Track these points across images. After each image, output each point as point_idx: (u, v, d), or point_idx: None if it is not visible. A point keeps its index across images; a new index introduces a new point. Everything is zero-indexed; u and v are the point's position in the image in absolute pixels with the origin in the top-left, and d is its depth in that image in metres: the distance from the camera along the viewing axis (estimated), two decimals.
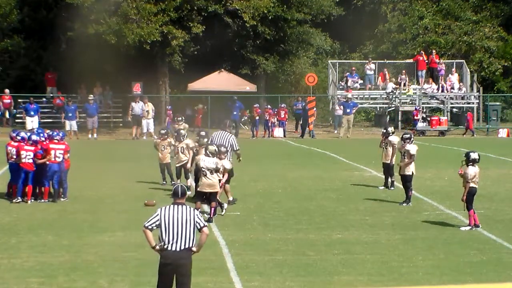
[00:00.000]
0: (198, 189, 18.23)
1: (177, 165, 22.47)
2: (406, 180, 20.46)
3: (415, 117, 45.83)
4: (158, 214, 10.53)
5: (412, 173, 20.39)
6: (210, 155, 18.09)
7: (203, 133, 21.15)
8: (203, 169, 17.92)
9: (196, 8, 44.62)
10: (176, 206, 10.54)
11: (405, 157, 20.41)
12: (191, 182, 22.40)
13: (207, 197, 18.06)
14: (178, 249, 10.40)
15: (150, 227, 10.53)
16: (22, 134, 21.04)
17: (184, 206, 10.54)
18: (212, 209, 17.93)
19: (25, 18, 48.98)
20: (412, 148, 20.46)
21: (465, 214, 17.79)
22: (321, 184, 24.32)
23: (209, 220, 17.67)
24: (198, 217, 10.55)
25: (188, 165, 22.25)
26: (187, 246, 10.43)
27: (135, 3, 42.71)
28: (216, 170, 17.93)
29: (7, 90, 44.70)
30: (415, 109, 45.99)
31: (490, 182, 23.87)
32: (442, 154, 33.98)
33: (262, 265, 14.15)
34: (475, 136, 44.86)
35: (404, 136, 20.94)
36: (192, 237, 10.47)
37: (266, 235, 16.73)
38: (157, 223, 10.49)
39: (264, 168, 28.08)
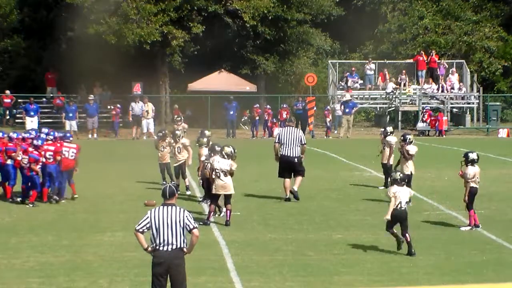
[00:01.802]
0: (213, 191, 17.89)
1: (175, 165, 22.49)
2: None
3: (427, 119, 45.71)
4: (148, 217, 10.51)
5: (411, 172, 20.38)
6: (226, 156, 17.89)
7: (207, 132, 21.21)
8: (216, 171, 17.71)
9: (196, 8, 44.66)
10: (165, 207, 10.51)
11: (405, 157, 20.40)
12: (189, 181, 22.43)
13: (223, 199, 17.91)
14: (170, 249, 10.40)
15: (141, 230, 10.52)
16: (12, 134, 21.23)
17: (173, 207, 10.50)
18: (228, 211, 17.68)
19: (25, 18, 49.05)
20: (412, 148, 20.45)
21: (465, 214, 17.80)
22: (321, 184, 24.32)
23: (226, 224, 17.57)
24: (187, 218, 10.47)
25: (190, 161, 22.25)
26: (178, 246, 10.42)
27: (135, 3, 42.74)
28: (230, 172, 17.79)
29: (7, 91, 44.74)
30: (426, 109, 45.82)
31: (490, 182, 23.86)
32: (442, 154, 33.97)
33: (262, 265, 14.15)
34: (444, 136, 44.53)
35: (404, 136, 20.96)
36: (183, 238, 10.45)
37: (266, 235, 16.73)
38: (148, 225, 10.48)
39: (264, 168, 28.05)
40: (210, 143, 19.65)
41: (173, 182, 22.30)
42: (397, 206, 14.99)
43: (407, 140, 20.58)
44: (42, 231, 17.03)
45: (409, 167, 20.36)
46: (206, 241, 15.51)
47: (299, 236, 16.66)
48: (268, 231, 17.17)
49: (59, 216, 18.81)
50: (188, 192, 22.05)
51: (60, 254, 14.96)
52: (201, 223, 17.03)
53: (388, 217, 14.95)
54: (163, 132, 23.94)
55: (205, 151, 19.57)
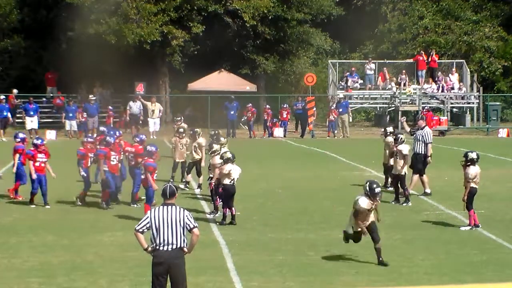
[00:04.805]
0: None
1: (190, 161, 22.65)
2: (400, 180, 20.50)
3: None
4: (148, 217, 10.51)
5: (405, 173, 20.43)
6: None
7: (211, 132, 21.49)
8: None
9: (196, 8, 44.65)
10: (165, 207, 10.51)
11: (398, 157, 20.51)
12: (202, 179, 22.44)
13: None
14: (170, 249, 10.40)
15: (141, 230, 10.53)
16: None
17: (173, 207, 10.49)
18: (232, 209, 17.83)
19: (25, 18, 48.99)
20: (404, 147, 20.50)
21: (465, 214, 17.80)
22: (321, 184, 24.32)
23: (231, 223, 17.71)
24: (187, 218, 10.47)
25: (203, 163, 22.32)
26: (178, 246, 10.42)
27: (135, 3, 42.74)
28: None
29: (15, 90, 44.68)
30: (426, 109, 45.69)
31: (490, 182, 23.86)
32: (442, 154, 33.94)
33: (262, 265, 14.15)
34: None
35: (396, 136, 21.09)
36: (183, 237, 10.45)
37: (266, 235, 16.73)
38: (148, 225, 10.48)
39: (264, 168, 28.08)
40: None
41: (171, 181, 22.37)
42: (230, 181, 17.42)
43: (399, 140, 20.66)
44: (42, 231, 17.04)
45: (403, 168, 20.38)
46: (206, 241, 15.51)
47: (299, 236, 16.67)
48: (268, 231, 17.18)
49: (59, 216, 18.82)
50: (198, 190, 22.06)
51: (60, 254, 14.96)
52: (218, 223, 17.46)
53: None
54: (182, 130, 23.75)
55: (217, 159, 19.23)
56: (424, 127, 22.22)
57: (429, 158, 22.02)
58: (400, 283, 13.05)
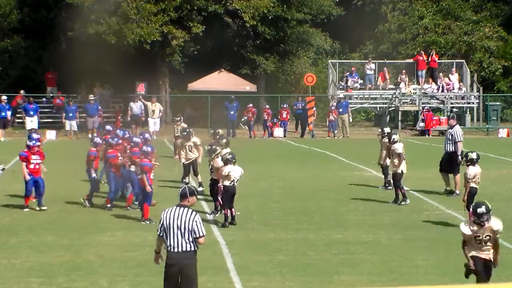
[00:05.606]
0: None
1: (186, 162, 22.55)
2: (396, 179, 20.50)
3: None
4: (162, 218, 10.52)
5: (402, 171, 20.40)
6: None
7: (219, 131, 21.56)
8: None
9: (196, 8, 44.64)
10: (177, 208, 10.49)
11: (393, 156, 20.51)
12: (201, 178, 22.40)
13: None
14: (180, 250, 10.38)
15: (161, 234, 10.51)
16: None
17: (185, 209, 10.45)
18: (232, 209, 17.82)
19: (25, 18, 49.01)
20: (398, 147, 20.50)
21: (465, 214, 17.78)
22: (321, 184, 24.32)
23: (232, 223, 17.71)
24: (196, 224, 10.39)
25: (199, 160, 22.31)
26: (188, 249, 10.40)
27: (135, 3, 42.74)
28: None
29: (22, 91, 44.66)
30: (426, 109, 45.54)
31: (490, 182, 23.84)
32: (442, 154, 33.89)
33: (262, 265, 14.15)
34: (430, 136, 44.23)
35: (390, 135, 21.10)
36: (192, 239, 10.42)
37: (266, 235, 16.73)
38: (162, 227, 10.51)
39: (264, 168, 28.06)
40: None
41: (184, 180, 22.36)
42: (231, 183, 17.41)
43: (392, 140, 20.65)
44: (42, 231, 17.03)
45: (400, 167, 20.38)
46: (206, 241, 15.40)
47: (299, 236, 16.67)
48: (268, 231, 17.17)
49: (59, 216, 18.81)
50: (200, 189, 22.03)
51: (60, 254, 14.96)
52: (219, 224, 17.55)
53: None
54: (188, 131, 23.66)
55: (219, 161, 19.06)
56: (454, 125, 22.36)
57: (459, 157, 21.84)
58: (400, 283, 13.04)
